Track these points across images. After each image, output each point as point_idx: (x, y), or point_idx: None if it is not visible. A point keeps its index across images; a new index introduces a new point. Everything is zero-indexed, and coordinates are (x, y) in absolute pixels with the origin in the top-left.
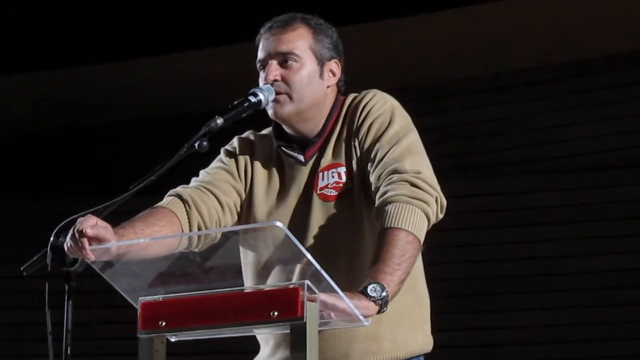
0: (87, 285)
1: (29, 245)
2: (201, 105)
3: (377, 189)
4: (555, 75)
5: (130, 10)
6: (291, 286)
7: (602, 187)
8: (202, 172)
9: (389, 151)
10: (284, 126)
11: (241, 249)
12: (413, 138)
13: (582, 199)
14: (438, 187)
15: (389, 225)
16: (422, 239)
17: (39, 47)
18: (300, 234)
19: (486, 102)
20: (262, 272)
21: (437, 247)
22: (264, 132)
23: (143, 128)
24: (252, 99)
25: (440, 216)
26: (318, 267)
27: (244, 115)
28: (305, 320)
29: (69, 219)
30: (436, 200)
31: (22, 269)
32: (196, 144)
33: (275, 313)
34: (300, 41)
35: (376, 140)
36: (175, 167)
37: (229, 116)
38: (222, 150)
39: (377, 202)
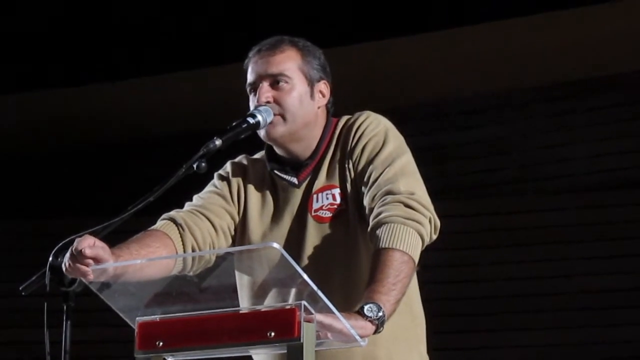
0: (84, 304)
1: (28, 264)
2: (200, 125)
3: (371, 210)
4: (551, 95)
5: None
6: (288, 307)
7: (598, 207)
8: (195, 197)
9: (382, 172)
10: (276, 149)
11: (236, 272)
12: (407, 159)
13: (578, 219)
14: (432, 208)
15: (383, 246)
16: (416, 259)
17: (39, 66)
18: (296, 256)
19: (481, 122)
20: (259, 293)
21: (433, 266)
22: (257, 155)
23: (143, 148)
24: (251, 120)
25: (434, 237)
26: (314, 287)
27: (243, 136)
28: (302, 340)
29: (68, 239)
30: (430, 221)
31: (20, 288)
32: (195, 165)
33: (272, 333)
34: (290, 63)
35: (370, 161)
36: (174, 188)
37: (227, 137)
38: (215, 175)
39: (371, 223)
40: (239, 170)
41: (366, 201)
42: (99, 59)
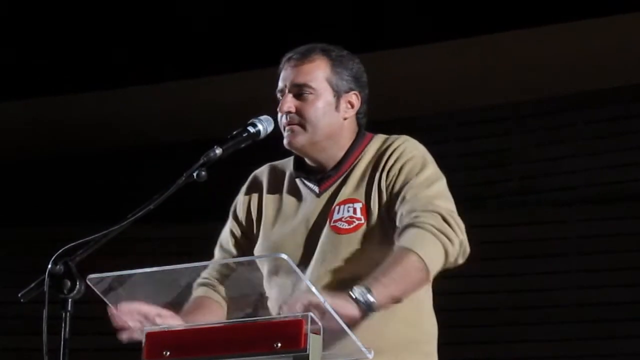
0: (83, 311)
1: (28, 271)
2: (199, 134)
3: (410, 215)
4: (552, 107)
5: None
6: (295, 318)
7: (597, 219)
8: (216, 251)
9: (423, 191)
10: (302, 155)
11: (265, 276)
12: (444, 184)
13: (579, 232)
14: (465, 234)
15: (404, 245)
16: (432, 273)
17: (36, 72)
18: (307, 265)
19: (483, 134)
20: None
21: (433, 278)
22: (285, 160)
23: (142, 155)
24: (251, 129)
25: (460, 261)
26: (322, 298)
27: (243, 145)
28: (308, 352)
29: (68, 246)
30: (461, 244)
31: (19, 295)
32: (195, 174)
33: (279, 344)
34: (317, 72)
35: (407, 181)
36: (174, 196)
37: (227, 146)
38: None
39: (404, 222)
40: (255, 184)
41: (402, 213)
42: (97, 65)
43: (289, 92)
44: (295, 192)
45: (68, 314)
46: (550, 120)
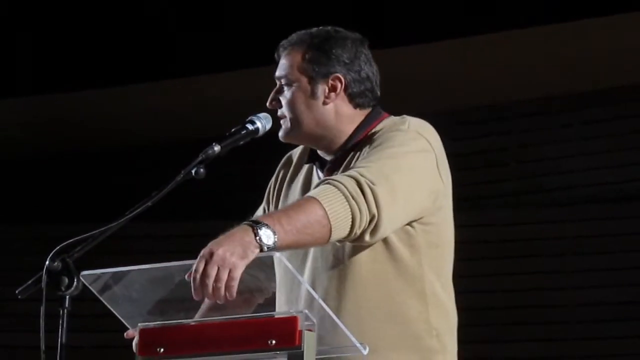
0: (80, 309)
1: (24, 268)
2: (199, 132)
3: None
4: (550, 107)
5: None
6: (289, 315)
7: (594, 219)
8: None
9: (368, 158)
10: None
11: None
12: (407, 157)
13: (576, 232)
14: (387, 211)
15: (312, 195)
16: (334, 235)
17: (35, 70)
18: (304, 255)
19: (481, 133)
20: (291, 296)
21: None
22: None
23: (143, 153)
24: (250, 126)
25: (367, 238)
26: (315, 294)
27: (242, 142)
28: (302, 349)
29: (65, 243)
30: (372, 219)
31: (17, 292)
32: (193, 171)
33: (273, 342)
34: (291, 63)
35: (371, 149)
36: (172, 193)
37: (226, 143)
38: None
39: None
40: (284, 166)
41: None
42: (96, 63)
43: (275, 87)
44: (307, 179)
45: (66, 311)
46: (549, 120)
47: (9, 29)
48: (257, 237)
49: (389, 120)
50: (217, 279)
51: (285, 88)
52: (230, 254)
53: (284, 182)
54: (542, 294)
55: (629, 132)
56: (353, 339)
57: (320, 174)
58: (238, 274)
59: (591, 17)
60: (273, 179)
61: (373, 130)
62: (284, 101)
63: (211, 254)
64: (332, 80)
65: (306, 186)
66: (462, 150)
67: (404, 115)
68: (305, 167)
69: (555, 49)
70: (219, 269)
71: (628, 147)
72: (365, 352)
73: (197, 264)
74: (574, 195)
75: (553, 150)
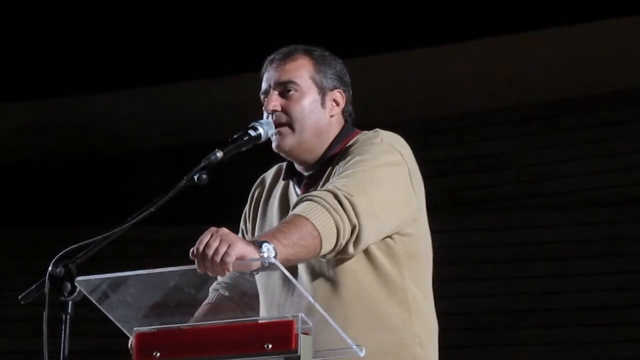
0: (83, 314)
1: (27, 273)
2: (203, 137)
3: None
4: (550, 111)
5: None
6: (285, 319)
7: (596, 223)
8: None
9: (345, 172)
10: (290, 159)
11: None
12: (383, 170)
13: (576, 236)
14: (367, 220)
15: (298, 213)
16: (324, 245)
17: (39, 74)
18: (291, 270)
19: (481, 138)
20: (273, 304)
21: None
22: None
23: (147, 157)
24: (252, 132)
25: (351, 249)
26: (312, 299)
27: (244, 148)
28: (299, 353)
29: (68, 248)
30: (353, 229)
31: (19, 297)
32: (196, 177)
33: (270, 345)
34: (301, 71)
35: (346, 162)
36: (174, 199)
37: (228, 149)
38: None
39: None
40: (258, 186)
41: None
42: (100, 67)
43: (274, 90)
44: (284, 196)
45: (68, 316)
46: (549, 124)
47: (11, 31)
48: (260, 250)
49: (362, 135)
50: (216, 252)
51: (294, 94)
52: (234, 236)
53: (260, 201)
54: (543, 298)
55: (629, 135)
56: (349, 340)
57: (298, 190)
58: (234, 251)
59: (592, 20)
60: (248, 201)
61: (348, 145)
62: (292, 107)
63: (217, 230)
64: (337, 94)
65: (284, 202)
66: (462, 154)
67: (377, 129)
68: (281, 184)
69: (554, 53)
70: (220, 242)
71: (627, 151)
72: (362, 354)
73: (203, 236)
74: (573, 199)
75: (553, 154)
